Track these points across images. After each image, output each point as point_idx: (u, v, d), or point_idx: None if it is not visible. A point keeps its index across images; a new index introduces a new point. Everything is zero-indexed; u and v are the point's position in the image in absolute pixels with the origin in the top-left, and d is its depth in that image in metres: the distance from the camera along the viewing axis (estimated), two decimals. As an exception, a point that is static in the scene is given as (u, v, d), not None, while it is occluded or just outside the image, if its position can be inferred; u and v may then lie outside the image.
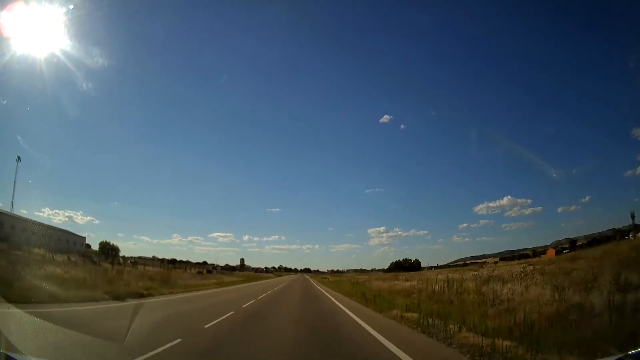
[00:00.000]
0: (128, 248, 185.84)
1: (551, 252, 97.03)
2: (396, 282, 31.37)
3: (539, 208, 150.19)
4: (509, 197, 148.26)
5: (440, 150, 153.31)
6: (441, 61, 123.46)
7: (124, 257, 55.99)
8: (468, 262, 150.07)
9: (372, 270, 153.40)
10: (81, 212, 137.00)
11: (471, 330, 7.70)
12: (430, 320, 9.23)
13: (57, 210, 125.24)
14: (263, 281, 53.02)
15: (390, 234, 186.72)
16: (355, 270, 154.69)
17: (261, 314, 12.48)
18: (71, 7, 21.49)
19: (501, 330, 7.25)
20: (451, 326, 8.22)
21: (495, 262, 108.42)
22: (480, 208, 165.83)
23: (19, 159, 51.72)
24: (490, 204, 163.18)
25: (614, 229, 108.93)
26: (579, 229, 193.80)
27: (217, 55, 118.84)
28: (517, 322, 7.55)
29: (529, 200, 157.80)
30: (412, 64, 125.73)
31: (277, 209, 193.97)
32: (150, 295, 18.05)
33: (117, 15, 77.14)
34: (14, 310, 8.75)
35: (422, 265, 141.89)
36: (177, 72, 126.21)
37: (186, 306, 14.72)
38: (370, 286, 29.46)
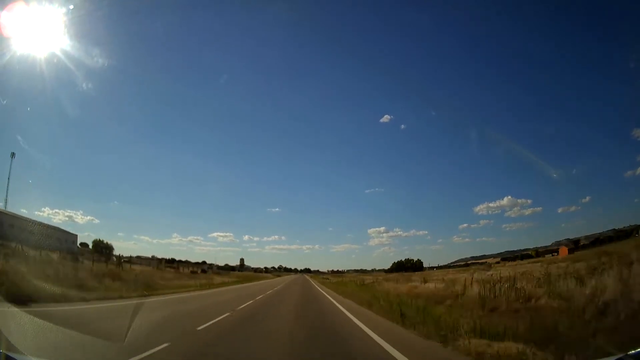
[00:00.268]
0: (128, 248, 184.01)
1: (564, 250, 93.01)
2: (412, 283, 26.76)
3: (539, 208, 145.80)
4: (509, 197, 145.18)
5: (440, 150, 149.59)
6: (441, 61, 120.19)
7: (118, 256, 52.09)
8: (469, 262, 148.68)
9: (373, 270, 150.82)
10: (81, 212, 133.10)
11: None
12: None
13: (57, 210, 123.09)
14: (259, 282, 48.08)
15: (390, 234, 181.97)
16: (356, 271, 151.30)
17: (229, 342, 7.30)
18: (71, 7, 21.10)
19: None
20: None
21: (498, 263, 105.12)
22: (481, 208, 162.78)
23: (13, 155, 50.43)
24: (491, 204, 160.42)
25: (614, 229, 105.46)
26: (579, 230, 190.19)
27: (217, 55, 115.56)
28: None
29: (529, 201, 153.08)
30: (413, 64, 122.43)
31: (277, 209, 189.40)
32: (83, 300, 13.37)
33: (117, 15, 76.20)
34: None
35: (424, 266, 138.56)
36: (177, 72, 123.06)
37: (113, 323, 8.87)
38: (383, 289, 24.74)
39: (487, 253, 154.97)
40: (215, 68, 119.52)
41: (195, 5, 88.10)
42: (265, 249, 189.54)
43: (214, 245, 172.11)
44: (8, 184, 48.98)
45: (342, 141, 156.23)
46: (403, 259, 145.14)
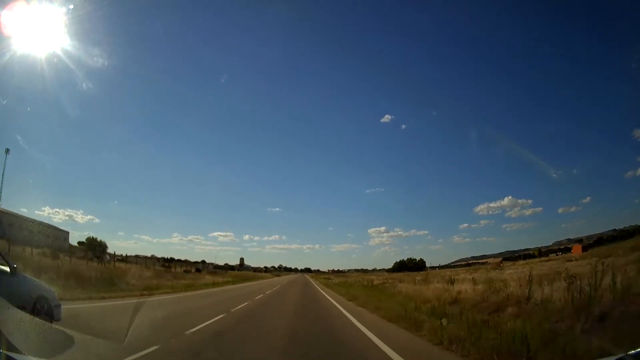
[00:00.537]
0: (128, 247, 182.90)
1: (577, 248, 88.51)
2: (433, 284, 21.77)
3: (540, 208, 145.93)
4: (510, 197, 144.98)
5: (441, 150, 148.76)
6: (441, 61, 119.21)
7: (113, 255, 50.72)
8: (470, 262, 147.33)
9: (374, 270, 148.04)
10: (81, 211, 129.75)
11: None
12: None
13: (57, 209, 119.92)
14: (254, 282, 42.80)
15: (391, 234, 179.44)
16: (357, 270, 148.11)
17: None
18: (71, 6, 20.94)
19: None
20: None
21: (501, 263, 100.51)
22: (481, 208, 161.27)
23: (7, 151, 46.77)
24: (491, 205, 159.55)
25: (615, 229, 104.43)
26: (580, 230, 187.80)
27: (217, 55, 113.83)
28: None
29: (529, 201, 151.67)
30: (413, 64, 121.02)
31: (277, 209, 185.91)
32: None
33: (117, 15, 74.70)
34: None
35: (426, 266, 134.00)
36: (177, 72, 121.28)
37: None
38: (401, 292, 19.93)
39: (487, 253, 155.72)
40: (215, 68, 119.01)
41: (195, 5, 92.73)
42: (265, 248, 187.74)
43: (215, 245, 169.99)
44: (2, 181, 46.14)
45: (342, 141, 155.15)
46: (405, 259, 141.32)
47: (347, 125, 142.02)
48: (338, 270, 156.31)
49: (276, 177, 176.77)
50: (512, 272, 32.68)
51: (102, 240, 61.19)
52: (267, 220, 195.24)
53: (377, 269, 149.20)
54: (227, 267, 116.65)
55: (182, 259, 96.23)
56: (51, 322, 6.83)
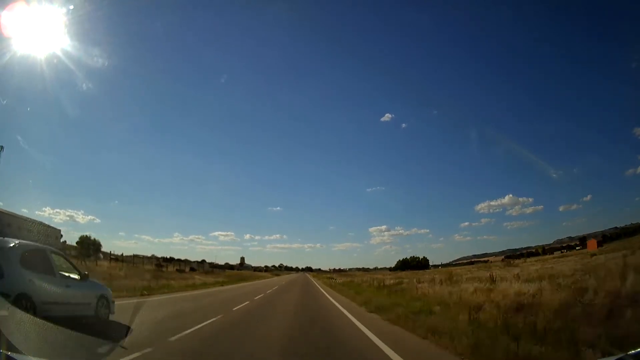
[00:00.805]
0: (129, 247, 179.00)
1: (593, 243, 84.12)
2: (463, 284, 17.42)
3: (541, 207, 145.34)
4: (511, 195, 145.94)
5: (441, 149, 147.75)
6: (441, 61, 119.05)
7: (109, 253, 48.77)
8: (473, 260, 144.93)
9: (375, 268, 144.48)
10: (82, 212, 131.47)
11: None
12: None
13: (58, 210, 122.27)
14: (249, 283, 37.65)
15: (392, 232, 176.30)
16: (358, 269, 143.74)
17: None
18: (71, 7, 20.73)
19: None
20: None
21: (502, 261, 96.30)
22: (482, 207, 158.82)
23: (1, 148, 45.51)
24: (492, 203, 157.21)
25: (616, 227, 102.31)
26: (580, 228, 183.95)
27: (217, 55, 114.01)
28: None
29: (530, 199, 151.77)
30: (413, 63, 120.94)
31: (278, 208, 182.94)
32: None
33: (117, 15, 73.92)
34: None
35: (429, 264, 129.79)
36: (177, 72, 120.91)
37: None
38: (426, 294, 15.46)
39: (488, 251, 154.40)
40: (215, 68, 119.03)
41: (195, 5, 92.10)
42: (266, 247, 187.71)
43: (216, 245, 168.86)
44: (-4, 179, 45.37)
45: (342, 140, 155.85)
46: (408, 257, 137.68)
47: (347, 124, 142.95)
48: (339, 269, 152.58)
49: (277, 177, 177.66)
50: (542, 268, 28.50)
51: (97, 239, 60.35)
52: (268, 220, 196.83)
53: (379, 267, 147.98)
54: (228, 267, 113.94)
55: (182, 258, 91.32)
56: (108, 315, 8.38)
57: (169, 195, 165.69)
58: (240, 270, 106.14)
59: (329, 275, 75.53)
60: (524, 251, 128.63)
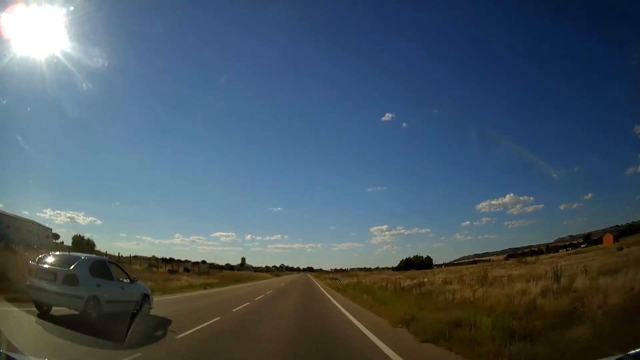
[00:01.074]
0: (130, 248, 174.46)
1: (609, 239, 79.73)
2: (495, 287, 12.90)
3: (541, 206, 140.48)
4: (512, 195, 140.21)
5: (442, 148, 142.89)
6: (442, 61, 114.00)
7: (104, 254, 45.08)
8: (475, 260, 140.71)
9: (377, 268, 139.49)
10: (83, 213, 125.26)
11: None
12: None
13: (59, 211, 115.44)
14: (244, 285, 32.68)
15: (393, 232, 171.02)
16: (360, 269, 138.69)
17: None
18: (71, 8, 20.39)
19: None
20: None
21: (507, 260, 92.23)
22: (483, 206, 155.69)
23: None
24: (493, 202, 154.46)
25: (617, 225, 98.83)
26: (581, 227, 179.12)
27: (217, 55, 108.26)
28: None
29: (531, 198, 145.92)
30: (413, 63, 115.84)
31: (279, 209, 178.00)
32: None
33: (117, 16, 72.40)
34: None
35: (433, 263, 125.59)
36: (178, 72, 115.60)
37: None
38: (467, 298, 10.93)
39: (489, 250, 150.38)
40: (215, 68, 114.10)
41: (195, 5, 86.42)
42: (267, 248, 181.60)
43: (217, 245, 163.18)
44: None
45: (343, 140, 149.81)
46: (411, 257, 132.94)
47: (348, 124, 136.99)
48: (341, 269, 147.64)
49: (277, 177, 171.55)
50: (574, 264, 23.92)
51: (91, 239, 60.38)
52: (269, 220, 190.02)
53: (380, 267, 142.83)
54: (228, 267, 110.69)
55: (182, 259, 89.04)
56: (149, 310, 9.64)
57: (169, 196, 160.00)
58: (240, 271, 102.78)
59: (331, 276, 70.10)
60: (526, 250, 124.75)
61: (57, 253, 9.02)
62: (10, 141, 59.51)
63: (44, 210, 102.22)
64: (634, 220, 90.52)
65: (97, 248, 58.02)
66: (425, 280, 21.96)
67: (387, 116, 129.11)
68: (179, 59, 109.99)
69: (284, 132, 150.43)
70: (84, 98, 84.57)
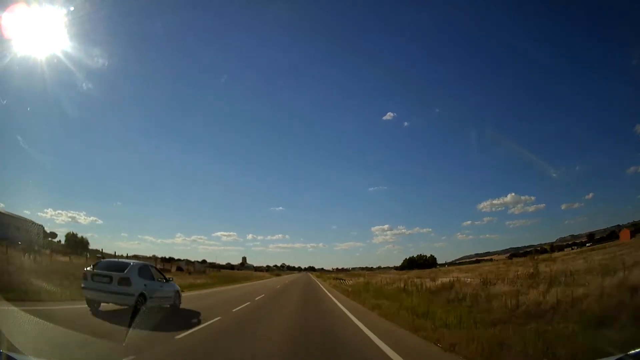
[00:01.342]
0: (132, 248, 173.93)
1: (625, 234, 75.90)
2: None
3: (543, 205, 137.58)
4: (513, 194, 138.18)
5: (443, 148, 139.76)
6: (442, 61, 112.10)
7: (101, 251, 46.35)
8: (477, 259, 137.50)
9: (379, 267, 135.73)
10: (84, 213, 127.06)
11: None
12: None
13: (60, 211, 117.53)
14: (233, 287, 27.95)
15: (394, 231, 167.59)
16: (361, 268, 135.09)
17: None
18: (71, 8, 19.97)
19: None
20: None
21: (510, 259, 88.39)
22: (484, 205, 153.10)
23: None
24: (494, 201, 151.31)
25: (618, 225, 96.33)
26: (582, 226, 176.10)
27: (217, 55, 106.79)
28: None
29: (532, 198, 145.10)
30: (414, 63, 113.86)
31: (280, 208, 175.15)
32: None
33: (117, 16, 71.90)
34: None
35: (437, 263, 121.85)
36: (178, 72, 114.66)
37: None
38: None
39: (491, 250, 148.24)
40: (215, 68, 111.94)
41: (195, 5, 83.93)
42: (269, 247, 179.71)
43: (218, 245, 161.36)
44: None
45: (344, 139, 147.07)
46: (415, 255, 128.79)
47: (349, 123, 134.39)
48: (342, 268, 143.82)
49: (279, 177, 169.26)
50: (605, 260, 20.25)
51: (84, 237, 61.77)
52: (270, 220, 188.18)
53: (382, 267, 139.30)
54: (229, 267, 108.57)
55: (183, 259, 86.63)
56: (179, 304, 11.55)
57: (171, 196, 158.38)
58: (240, 270, 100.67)
59: (334, 276, 65.36)
60: (528, 249, 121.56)
61: (108, 260, 11.13)
62: (11, 141, 59.07)
63: (45, 210, 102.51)
64: (634, 220, 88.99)
65: (91, 246, 57.32)
66: (449, 280, 17.89)
67: (389, 115, 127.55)
68: (179, 59, 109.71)
69: (284, 132, 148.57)
70: (84, 98, 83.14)
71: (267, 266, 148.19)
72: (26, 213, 59.74)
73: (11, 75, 24.96)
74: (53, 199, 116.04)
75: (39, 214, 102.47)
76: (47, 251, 31.98)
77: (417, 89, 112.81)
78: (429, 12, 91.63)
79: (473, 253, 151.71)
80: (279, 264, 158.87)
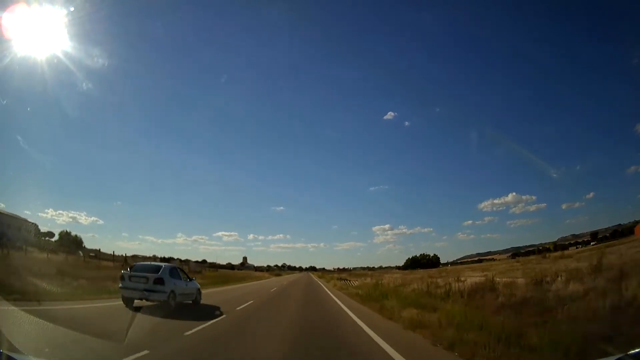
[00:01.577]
0: (133, 248, 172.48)
1: None
2: None
3: (544, 205, 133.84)
4: (514, 194, 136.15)
5: (444, 147, 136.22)
6: (442, 61, 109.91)
7: (98, 250, 47.00)
8: (479, 259, 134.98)
9: (380, 267, 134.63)
10: (85, 213, 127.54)
11: None
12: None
13: (60, 211, 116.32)
14: (225, 289, 24.70)
15: (395, 231, 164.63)
16: (362, 268, 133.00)
17: None
18: (72, 8, 19.71)
19: None
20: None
21: (515, 259, 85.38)
22: (485, 205, 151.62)
23: None
24: (495, 201, 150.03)
25: (619, 224, 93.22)
26: (583, 226, 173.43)
27: (217, 55, 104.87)
28: None
29: (533, 197, 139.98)
30: (414, 62, 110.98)
31: (281, 208, 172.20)
32: None
33: (118, 16, 70.92)
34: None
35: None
36: (178, 72, 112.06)
37: None
38: None
39: (492, 249, 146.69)
40: (215, 68, 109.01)
41: (195, 5, 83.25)
42: (270, 247, 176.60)
43: (219, 245, 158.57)
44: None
45: (345, 139, 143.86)
46: (418, 255, 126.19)
47: (350, 123, 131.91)
48: (344, 268, 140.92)
49: (279, 177, 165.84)
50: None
51: (78, 235, 60.84)
52: (271, 220, 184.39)
53: (384, 266, 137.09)
54: (229, 267, 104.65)
55: (183, 259, 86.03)
56: (200, 300, 13.12)
57: (171, 196, 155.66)
58: (240, 270, 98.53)
59: (337, 276, 61.41)
60: (529, 249, 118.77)
61: (143, 263, 13.08)
62: (11, 141, 58.48)
63: (46, 210, 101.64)
64: (635, 220, 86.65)
65: (92, 246, 57.17)
66: (481, 279, 14.55)
67: (390, 115, 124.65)
68: (179, 59, 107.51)
69: (285, 132, 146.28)
70: (84, 98, 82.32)
71: (268, 266, 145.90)
72: (27, 213, 60.87)
73: (11, 75, 24.56)
74: (53, 200, 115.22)
75: (39, 214, 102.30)
76: (34, 249, 30.32)
77: (418, 88, 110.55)
78: (429, 12, 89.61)
79: (474, 253, 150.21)
80: (280, 264, 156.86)
